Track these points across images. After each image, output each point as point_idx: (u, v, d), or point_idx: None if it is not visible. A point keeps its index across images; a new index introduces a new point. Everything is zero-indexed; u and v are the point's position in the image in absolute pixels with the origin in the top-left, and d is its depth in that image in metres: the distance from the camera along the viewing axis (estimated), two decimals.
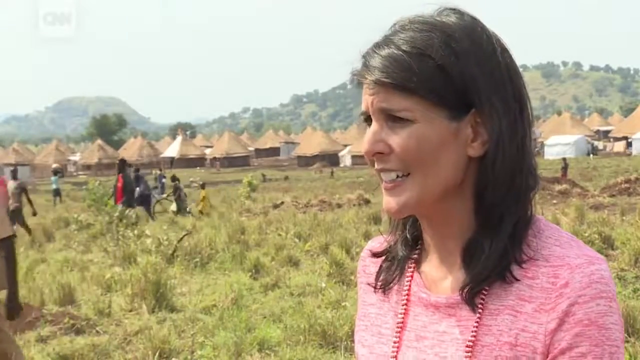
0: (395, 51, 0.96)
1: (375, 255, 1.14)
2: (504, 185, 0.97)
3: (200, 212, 20.98)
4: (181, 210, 21.71)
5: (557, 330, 0.92)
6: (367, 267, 1.17)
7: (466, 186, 0.99)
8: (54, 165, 37.73)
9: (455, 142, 0.97)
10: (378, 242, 1.16)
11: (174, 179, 23.03)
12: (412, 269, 1.08)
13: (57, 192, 30.25)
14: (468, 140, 0.97)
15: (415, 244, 1.09)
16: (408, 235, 1.09)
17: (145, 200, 21.17)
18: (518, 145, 0.98)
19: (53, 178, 31.82)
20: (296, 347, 6.11)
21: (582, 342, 0.90)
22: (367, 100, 0.99)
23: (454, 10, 0.99)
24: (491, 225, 0.97)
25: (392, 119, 0.97)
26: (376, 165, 0.99)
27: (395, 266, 1.10)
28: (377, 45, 0.99)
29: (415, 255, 1.09)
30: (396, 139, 0.96)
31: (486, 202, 0.98)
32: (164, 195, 23.56)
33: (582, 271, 0.92)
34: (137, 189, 20.45)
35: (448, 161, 0.97)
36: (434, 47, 0.95)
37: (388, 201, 0.99)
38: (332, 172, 47.33)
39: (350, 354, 5.99)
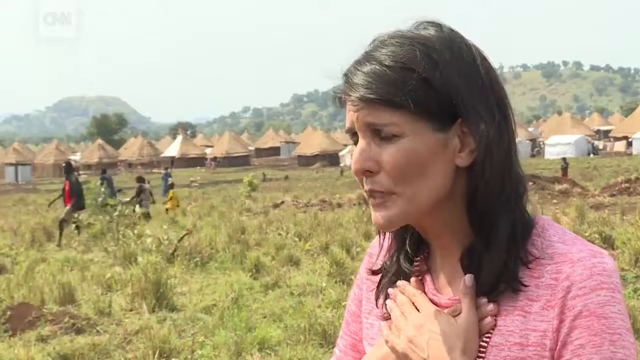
0: (378, 67, 0.96)
1: (375, 273, 1.14)
2: (494, 192, 0.97)
3: (167, 210, 21.15)
4: (142, 208, 21.04)
5: (562, 324, 0.92)
6: (368, 280, 1.17)
7: (457, 196, 0.99)
8: (73, 159, 37.36)
9: (443, 154, 0.97)
10: (377, 244, 1.16)
11: (139, 179, 22.56)
12: (418, 275, 1.08)
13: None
14: (456, 151, 0.97)
15: (415, 254, 1.09)
16: (409, 250, 1.09)
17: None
18: (505, 151, 0.98)
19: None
20: (296, 347, 6.12)
21: (581, 333, 0.90)
22: (351, 117, 0.98)
23: (432, 23, 1.00)
24: (486, 234, 0.98)
25: (379, 135, 0.96)
26: (365, 186, 0.99)
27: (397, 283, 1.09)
28: (359, 62, 0.98)
29: (417, 267, 1.08)
30: (385, 156, 0.96)
31: (478, 209, 0.98)
32: (127, 199, 22.54)
33: (584, 264, 0.93)
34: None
35: (436, 173, 0.97)
36: (416, 60, 0.95)
37: (376, 216, 0.99)
38: (341, 172, 47.19)
39: None
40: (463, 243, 1.00)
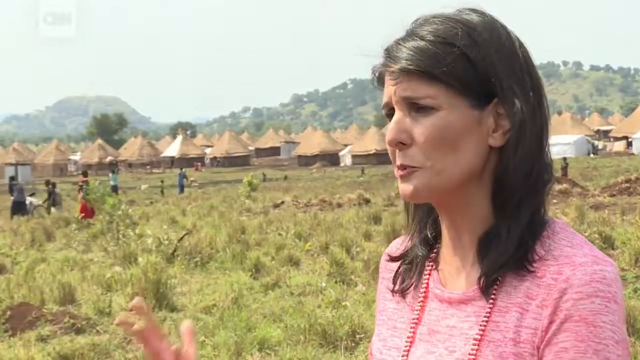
0: (420, 41, 0.98)
1: (394, 259, 1.15)
2: (524, 173, 0.99)
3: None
4: (57, 210, 23.08)
5: (551, 324, 0.92)
6: (388, 264, 1.18)
7: (485, 176, 1.01)
8: (109, 158, 38.09)
9: (477, 131, 0.98)
10: (400, 241, 1.17)
11: (47, 183, 25.09)
12: (430, 267, 1.09)
13: (115, 189, 29.65)
14: (490, 130, 0.99)
15: (435, 243, 1.10)
16: (429, 235, 1.10)
17: (20, 208, 23.31)
18: (537, 135, 1.00)
19: (112, 175, 32.26)
20: (296, 347, 6.12)
21: (568, 337, 0.90)
22: (389, 90, 1.00)
23: (474, 10, 1.03)
24: (508, 213, 0.99)
25: (416, 109, 0.98)
26: (397, 160, 1.00)
27: (414, 269, 1.11)
28: (401, 38, 1.01)
29: (434, 254, 1.10)
30: (420, 129, 0.97)
31: (505, 190, 0.99)
32: (41, 202, 25.23)
33: (585, 269, 0.93)
34: (12, 197, 23.61)
35: (468, 149, 0.98)
36: (457, 37, 0.97)
37: (404, 187, 1.00)
38: (362, 170, 47.13)
39: (351, 354, 6.00)
40: (482, 227, 1.01)
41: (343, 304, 7.36)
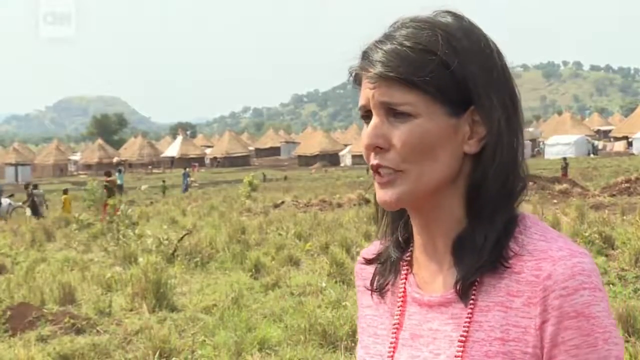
0: (399, 46, 0.98)
1: (368, 262, 1.15)
2: (499, 180, 0.99)
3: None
4: (37, 214, 23.11)
5: (546, 323, 0.93)
6: (363, 271, 1.17)
7: (460, 181, 1.01)
8: (116, 159, 38.53)
9: (453, 139, 0.99)
10: (374, 246, 1.17)
11: (27, 186, 25.71)
12: (405, 270, 1.09)
13: (121, 188, 30.06)
14: (465, 137, 0.99)
15: (407, 246, 1.11)
16: (400, 238, 1.10)
17: None
18: (513, 143, 1.01)
19: (118, 175, 32.51)
20: (296, 347, 6.12)
21: (574, 334, 0.92)
22: (367, 94, 1.00)
23: (450, 13, 1.02)
24: (484, 220, 0.99)
25: (393, 114, 0.98)
26: (372, 160, 1.00)
27: (388, 269, 1.11)
28: (379, 41, 1.00)
29: (408, 257, 1.10)
30: (397, 134, 0.97)
31: (482, 196, 1.00)
32: (20, 204, 25.70)
33: (564, 264, 0.94)
34: None
35: (444, 156, 0.98)
36: (437, 44, 0.97)
37: (382, 194, 1.00)
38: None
39: (351, 354, 6.00)
40: (455, 231, 1.02)
41: (343, 304, 7.35)
